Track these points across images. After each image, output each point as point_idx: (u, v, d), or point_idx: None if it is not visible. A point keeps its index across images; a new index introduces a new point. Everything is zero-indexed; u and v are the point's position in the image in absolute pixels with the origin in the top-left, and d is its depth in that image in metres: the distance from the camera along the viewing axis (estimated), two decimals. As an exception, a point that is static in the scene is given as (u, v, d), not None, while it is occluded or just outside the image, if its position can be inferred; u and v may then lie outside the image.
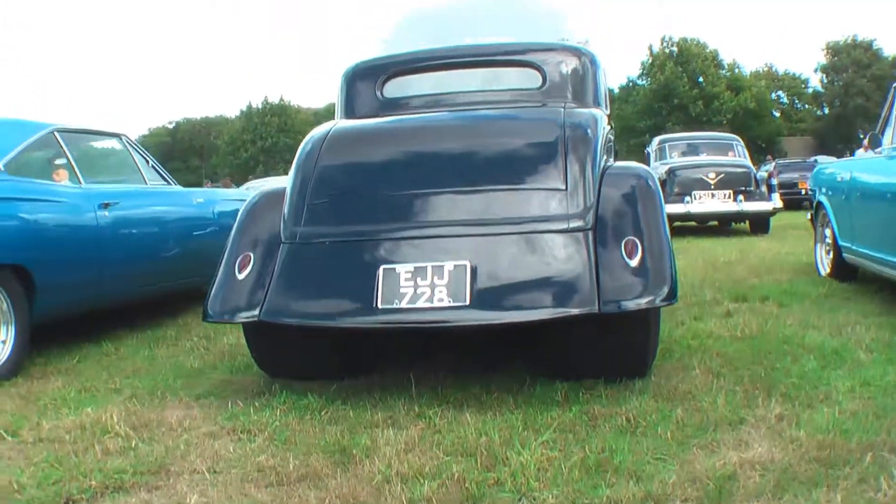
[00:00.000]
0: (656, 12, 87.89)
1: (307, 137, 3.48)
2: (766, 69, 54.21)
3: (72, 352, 4.10)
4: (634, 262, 2.67)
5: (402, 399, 2.87)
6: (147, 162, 5.36)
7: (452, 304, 2.64)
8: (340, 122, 3.64)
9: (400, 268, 2.75)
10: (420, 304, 2.67)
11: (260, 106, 57.37)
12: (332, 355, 3.18)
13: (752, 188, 10.88)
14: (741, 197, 10.77)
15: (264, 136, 54.71)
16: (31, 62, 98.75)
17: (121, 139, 5.29)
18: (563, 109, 3.41)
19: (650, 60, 46.86)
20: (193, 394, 3.18)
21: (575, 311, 2.58)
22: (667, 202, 10.63)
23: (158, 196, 5.23)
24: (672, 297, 2.65)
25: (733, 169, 11.05)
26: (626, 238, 2.74)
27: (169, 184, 5.46)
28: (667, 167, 11.45)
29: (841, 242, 5.04)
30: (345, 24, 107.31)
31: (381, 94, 4.00)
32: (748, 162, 11.79)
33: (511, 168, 3.01)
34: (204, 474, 2.23)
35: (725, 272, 6.26)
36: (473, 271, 2.69)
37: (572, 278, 2.66)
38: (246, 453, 2.39)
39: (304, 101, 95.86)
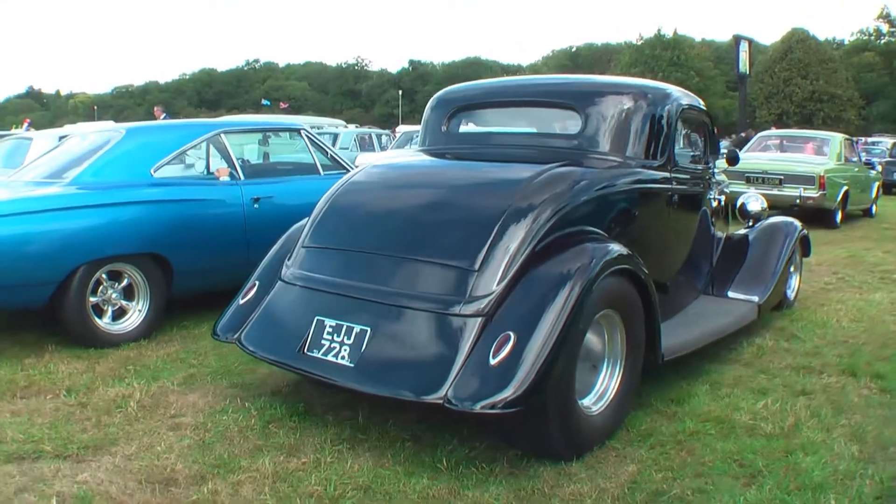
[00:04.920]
0: None
1: (342, 178, 3.88)
2: None
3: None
4: (495, 361, 2.64)
5: (345, 428, 3.26)
6: (326, 153, 6.20)
7: (346, 364, 2.93)
8: (366, 166, 3.96)
9: (328, 322, 3.11)
10: (329, 357, 3.01)
11: (652, 37, 55.93)
12: None
13: None
14: None
15: (655, 69, 52.63)
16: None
17: (299, 133, 6.21)
18: (546, 168, 3.29)
19: None
20: (234, 381, 3.92)
21: (420, 399, 2.68)
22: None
23: (321, 186, 6.01)
24: (517, 405, 2.57)
25: None
26: (503, 333, 2.70)
27: (346, 171, 6.24)
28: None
29: None
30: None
31: (447, 127, 4.22)
32: None
33: (443, 239, 3.08)
34: (116, 461, 2.96)
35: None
36: (370, 338, 2.93)
37: (439, 365, 2.73)
38: (163, 450, 3.06)
39: (703, 33, 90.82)
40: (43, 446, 3.06)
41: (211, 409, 3.54)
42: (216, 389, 3.81)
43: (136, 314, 4.67)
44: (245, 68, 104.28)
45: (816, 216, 10.49)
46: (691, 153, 4.38)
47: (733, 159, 5.04)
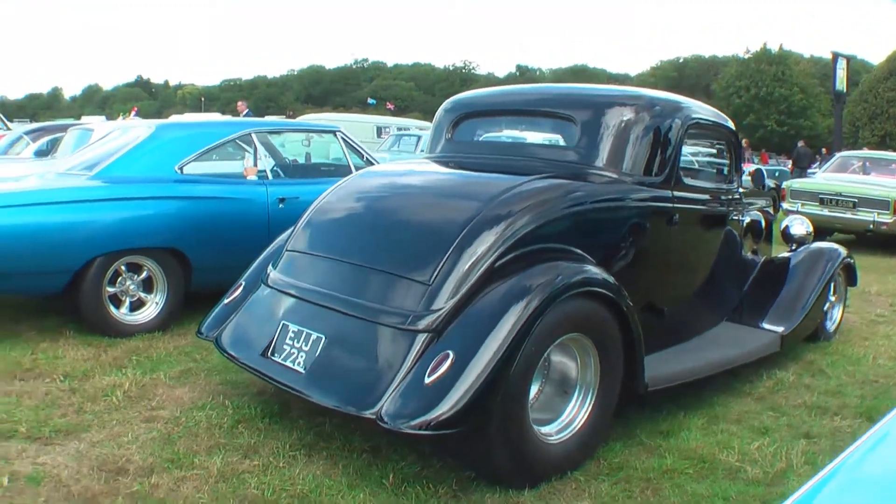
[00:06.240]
0: None
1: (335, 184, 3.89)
2: None
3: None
4: (430, 380, 2.55)
5: (310, 433, 3.26)
6: (362, 155, 6.24)
7: (299, 370, 2.92)
8: (358, 172, 3.94)
9: (291, 326, 3.11)
10: (287, 362, 3.01)
11: (758, 52, 54.37)
12: None
13: None
14: None
15: (759, 84, 51.78)
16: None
17: (335, 134, 6.27)
18: (523, 181, 3.19)
19: None
20: (226, 378, 3.97)
21: (359, 413, 2.62)
22: None
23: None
24: (450, 426, 2.47)
25: None
26: (444, 351, 2.60)
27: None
28: None
29: None
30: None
31: (451, 134, 4.16)
32: None
33: (406, 250, 3.02)
34: (80, 447, 3.07)
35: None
36: (324, 346, 2.91)
37: (380, 380, 2.67)
38: (129, 441, 3.15)
39: (813, 50, 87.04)
40: (19, 427, 3.21)
41: (192, 404, 3.61)
42: (206, 385, 3.88)
43: (154, 306, 4.82)
44: (353, 67, 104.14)
45: (892, 242, 9.80)
46: (709, 170, 4.14)
47: (758, 180, 4.75)
